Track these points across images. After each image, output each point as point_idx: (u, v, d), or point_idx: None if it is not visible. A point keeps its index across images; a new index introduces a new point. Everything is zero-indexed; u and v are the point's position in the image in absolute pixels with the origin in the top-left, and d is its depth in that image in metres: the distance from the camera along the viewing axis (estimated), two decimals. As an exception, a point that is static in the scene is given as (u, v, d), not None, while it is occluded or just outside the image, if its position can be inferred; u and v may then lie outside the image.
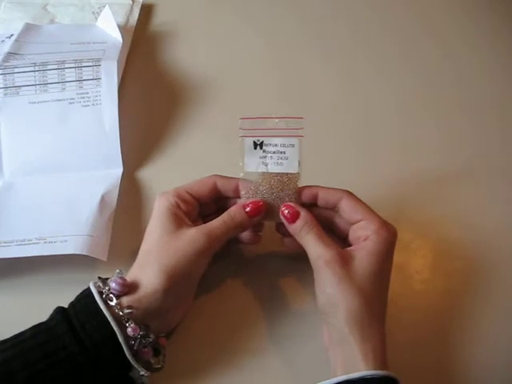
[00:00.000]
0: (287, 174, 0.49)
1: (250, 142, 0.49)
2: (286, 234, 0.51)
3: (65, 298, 0.45)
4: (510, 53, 0.80)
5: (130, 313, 0.43)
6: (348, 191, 0.49)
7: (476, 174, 0.65)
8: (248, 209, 0.49)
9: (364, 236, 0.47)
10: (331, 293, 0.44)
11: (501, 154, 0.67)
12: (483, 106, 0.72)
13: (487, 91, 0.74)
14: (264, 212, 0.50)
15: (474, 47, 0.81)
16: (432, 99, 0.74)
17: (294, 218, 0.48)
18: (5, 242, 0.54)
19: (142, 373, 0.44)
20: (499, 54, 0.80)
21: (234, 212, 0.49)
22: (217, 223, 0.49)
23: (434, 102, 0.73)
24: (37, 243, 0.54)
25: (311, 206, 0.50)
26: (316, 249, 0.46)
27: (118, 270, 0.46)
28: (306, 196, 0.49)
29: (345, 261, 0.45)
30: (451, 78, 0.76)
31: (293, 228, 0.48)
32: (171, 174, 0.64)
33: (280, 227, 0.51)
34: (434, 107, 0.72)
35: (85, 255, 0.52)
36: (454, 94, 0.74)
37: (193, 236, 0.47)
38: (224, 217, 0.49)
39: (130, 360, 0.42)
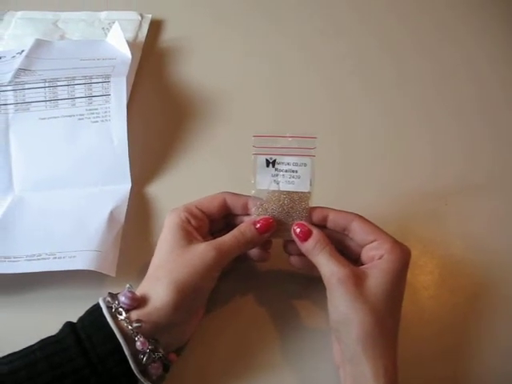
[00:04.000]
0: (298, 192, 0.49)
1: (262, 159, 0.49)
2: (293, 252, 0.51)
3: (73, 313, 0.45)
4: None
5: (139, 327, 0.43)
6: (358, 214, 0.49)
7: (483, 192, 0.65)
8: (258, 225, 0.49)
9: (378, 255, 0.47)
10: (344, 311, 0.44)
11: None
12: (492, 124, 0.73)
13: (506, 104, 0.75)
14: (274, 228, 0.50)
15: (492, 57, 0.82)
16: (439, 115, 0.74)
17: (306, 236, 0.48)
18: (14, 257, 0.54)
19: None
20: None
21: (244, 228, 0.49)
22: (227, 238, 0.49)
23: (439, 118, 0.74)
24: (46, 259, 0.54)
25: (320, 228, 0.49)
26: (329, 267, 0.46)
27: (128, 285, 0.46)
28: (316, 217, 0.50)
29: (358, 279, 0.45)
30: (468, 94, 0.77)
31: (305, 247, 0.48)
32: (180, 190, 0.64)
33: (287, 246, 0.52)
34: (442, 125, 0.73)
35: (93, 271, 0.52)
36: (465, 109, 0.75)
37: (203, 250, 0.47)
38: (234, 232, 0.49)
39: (136, 373, 0.42)
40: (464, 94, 0.76)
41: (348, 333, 0.44)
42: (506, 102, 0.76)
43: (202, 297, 0.49)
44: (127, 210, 0.60)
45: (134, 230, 0.60)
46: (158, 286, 0.46)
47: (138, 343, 0.43)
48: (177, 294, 0.45)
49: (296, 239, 0.49)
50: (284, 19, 0.89)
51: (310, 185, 0.49)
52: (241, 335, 0.52)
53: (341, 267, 0.46)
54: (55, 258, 0.54)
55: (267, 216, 0.50)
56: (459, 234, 0.60)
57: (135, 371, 0.42)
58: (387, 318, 0.44)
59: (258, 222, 0.50)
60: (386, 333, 0.44)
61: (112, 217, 0.59)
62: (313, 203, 0.50)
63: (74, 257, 0.54)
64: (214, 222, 0.52)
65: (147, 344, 0.43)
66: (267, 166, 0.49)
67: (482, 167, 0.68)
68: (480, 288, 0.56)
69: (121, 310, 0.44)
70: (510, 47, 0.83)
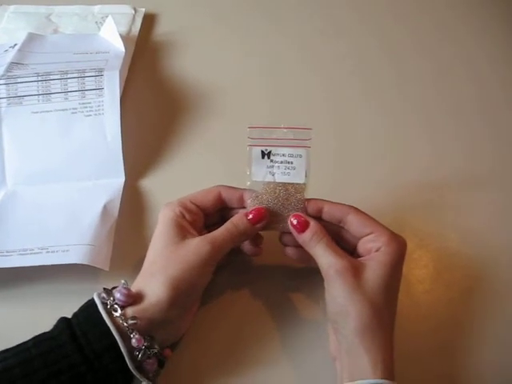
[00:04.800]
0: (293, 184, 0.49)
1: (257, 151, 0.49)
2: (289, 243, 0.51)
3: (67, 307, 0.45)
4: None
5: (135, 323, 0.43)
6: (354, 206, 0.49)
7: (480, 187, 0.65)
8: (250, 216, 0.49)
9: (375, 248, 0.47)
10: (342, 302, 0.44)
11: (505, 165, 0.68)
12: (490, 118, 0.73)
13: (505, 102, 0.75)
14: (266, 218, 0.50)
15: (492, 57, 0.82)
16: (435, 109, 0.74)
17: (303, 227, 0.48)
18: (7, 252, 0.54)
19: (144, 383, 0.44)
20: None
21: (236, 220, 0.49)
22: (220, 232, 0.48)
23: (435, 112, 0.74)
24: (39, 253, 0.53)
25: (316, 219, 0.49)
26: (327, 258, 0.46)
27: (123, 281, 0.46)
28: (311, 209, 0.49)
29: (356, 270, 0.45)
30: (467, 89, 0.77)
31: (302, 238, 0.48)
32: (174, 184, 0.63)
33: (283, 237, 0.51)
34: (440, 121, 0.73)
35: (87, 265, 0.52)
36: (463, 104, 0.75)
37: (197, 245, 0.47)
38: (227, 225, 0.49)
39: (132, 370, 0.42)
40: (463, 93, 0.76)
41: (346, 324, 0.44)
42: (505, 100, 0.75)
43: (197, 292, 0.49)
44: (121, 203, 0.60)
45: (128, 224, 0.59)
46: (153, 282, 0.45)
47: (134, 340, 0.43)
48: (172, 291, 0.45)
49: (293, 230, 0.49)
50: (281, 15, 0.89)
51: (306, 176, 0.49)
52: (236, 329, 0.52)
53: (338, 258, 0.45)
54: (48, 252, 0.53)
55: (260, 206, 0.50)
56: (455, 227, 0.60)
57: (131, 368, 0.42)
58: (384, 310, 0.44)
59: (250, 212, 0.49)
60: (383, 325, 0.44)
61: (105, 211, 0.59)
62: (309, 195, 0.50)
63: (68, 251, 0.53)
64: (208, 215, 0.52)
65: (143, 341, 0.43)
66: (262, 157, 0.49)
67: (480, 162, 0.68)
68: (475, 282, 0.56)
69: (116, 306, 0.44)
70: (510, 47, 0.83)
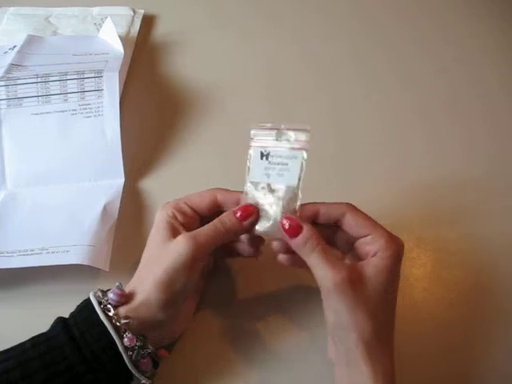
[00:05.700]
0: (287, 186, 0.47)
1: (257, 152, 0.47)
2: (281, 250, 0.49)
3: (67, 308, 0.45)
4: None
5: (127, 323, 0.43)
6: (350, 204, 0.47)
7: (479, 186, 0.65)
8: (239, 213, 0.47)
9: (372, 252, 0.45)
10: (342, 316, 0.43)
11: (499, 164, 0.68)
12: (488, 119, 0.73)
13: (506, 104, 0.75)
14: (255, 215, 0.47)
15: (494, 57, 0.82)
16: (434, 110, 0.74)
17: (295, 231, 0.45)
18: (7, 253, 0.54)
19: (143, 381, 0.44)
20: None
21: (224, 217, 0.48)
22: (205, 228, 0.47)
23: (434, 114, 0.74)
24: (39, 253, 0.54)
25: (312, 223, 0.47)
26: (323, 270, 0.43)
27: (117, 283, 0.46)
28: (307, 213, 0.47)
29: (355, 282, 0.42)
30: (467, 90, 0.77)
31: (295, 243, 0.45)
32: (173, 185, 0.64)
33: (274, 244, 0.49)
34: (440, 121, 0.73)
35: (87, 265, 0.52)
36: (463, 104, 0.75)
37: (180, 241, 0.46)
38: (214, 222, 0.47)
39: (131, 368, 0.43)
40: (463, 94, 0.76)
41: (346, 337, 0.43)
42: (506, 102, 0.75)
43: (188, 291, 0.47)
44: (120, 204, 0.60)
45: (128, 224, 0.60)
46: (144, 282, 0.46)
47: (126, 339, 0.43)
48: (161, 291, 0.45)
49: (285, 235, 0.45)
50: (280, 15, 0.89)
51: (299, 180, 0.47)
52: (232, 331, 0.52)
53: (336, 271, 0.43)
54: (48, 252, 0.54)
55: (248, 204, 0.48)
56: (453, 226, 0.61)
57: (129, 366, 0.43)
58: (384, 321, 0.44)
59: (239, 210, 0.48)
60: (384, 335, 0.43)
61: (105, 211, 0.59)
62: (306, 196, 0.47)
63: (68, 251, 0.54)
64: (205, 219, 0.51)
65: (135, 340, 0.43)
66: (261, 158, 0.47)
67: (479, 163, 0.68)
68: (474, 281, 0.56)
69: (109, 306, 0.44)
70: (511, 48, 0.83)
